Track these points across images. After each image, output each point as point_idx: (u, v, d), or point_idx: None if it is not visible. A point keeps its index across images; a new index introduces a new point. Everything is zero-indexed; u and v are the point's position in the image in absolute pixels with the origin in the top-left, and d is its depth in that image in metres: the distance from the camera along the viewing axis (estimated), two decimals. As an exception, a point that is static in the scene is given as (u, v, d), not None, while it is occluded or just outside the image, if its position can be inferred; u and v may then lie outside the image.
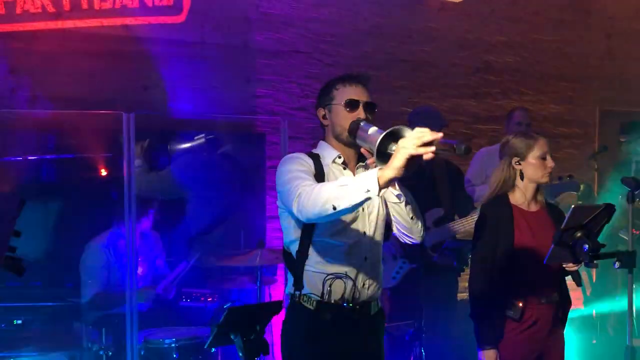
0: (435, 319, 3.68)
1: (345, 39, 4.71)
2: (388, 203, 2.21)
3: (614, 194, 4.05)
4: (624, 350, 2.59)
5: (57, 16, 3.78)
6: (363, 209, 2.23)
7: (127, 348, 3.11)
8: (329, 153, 2.26)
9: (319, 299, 2.19)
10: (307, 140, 4.30)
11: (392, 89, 4.80)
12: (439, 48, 5.06)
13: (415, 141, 1.76)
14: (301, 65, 4.57)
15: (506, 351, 2.63)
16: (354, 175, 2.22)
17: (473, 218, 3.30)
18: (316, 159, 2.23)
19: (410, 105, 4.59)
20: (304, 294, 2.22)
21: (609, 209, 2.21)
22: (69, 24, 3.79)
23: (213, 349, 3.15)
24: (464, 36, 5.15)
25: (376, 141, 1.82)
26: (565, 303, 2.71)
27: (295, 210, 2.03)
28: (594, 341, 4.56)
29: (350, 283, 2.20)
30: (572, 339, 4.39)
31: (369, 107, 2.21)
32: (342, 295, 2.20)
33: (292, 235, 2.24)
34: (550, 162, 2.68)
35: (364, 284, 2.24)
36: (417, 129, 1.80)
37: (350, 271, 2.21)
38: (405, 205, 2.16)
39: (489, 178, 3.99)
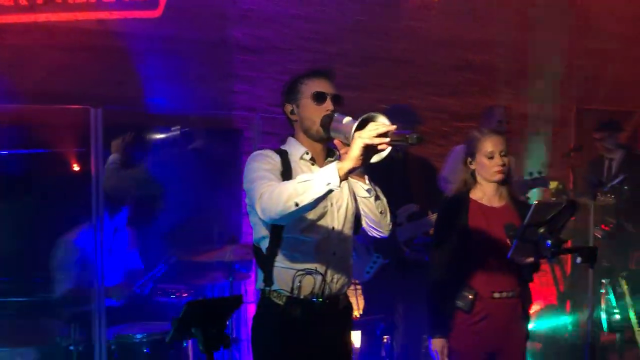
0: (407, 313, 3.73)
1: (324, 35, 4.72)
2: (358, 198, 2.23)
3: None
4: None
5: (30, 9, 3.75)
6: (332, 204, 2.25)
7: (95, 345, 3.10)
8: (296, 149, 2.27)
9: (288, 294, 2.21)
10: (284, 136, 4.30)
11: (372, 86, 4.82)
12: (418, 46, 5.08)
13: (370, 132, 1.83)
14: (280, 61, 4.57)
15: (456, 342, 2.66)
16: None
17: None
18: (284, 155, 2.25)
19: (390, 103, 4.61)
20: (274, 290, 2.23)
21: (572, 205, 2.25)
22: (42, 17, 3.76)
23: (185, 344, 3.16)
24: (443, 34, 5.17)
25: (352, 129, 1.87)
26: (525, 300, 2.72)
27: (259, 211, 2.05)
28: (567, 336, 4.62)
29: (319, 278, 2.22)
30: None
31: (336, 99, 2.23)
32: (312, 291, 2.22)
33: (261, 232, 2.25)
34: (497, 160, 2.66)
35: (332, 279, 2.25)
36: (373, 122, 1.86)
37: (320, 266, 2.23)
38: (375, 200, 2.19)
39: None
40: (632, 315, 3.83)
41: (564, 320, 4.70)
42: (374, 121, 1.87)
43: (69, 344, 3.17)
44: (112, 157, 3.80)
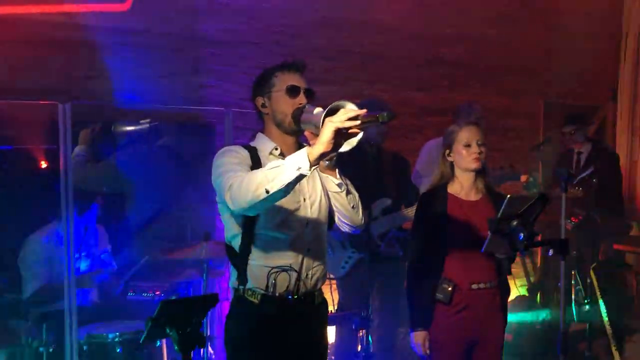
0: (382, 307, 3.74)
1: (296, 29, 4.69)
2: (329, 193, 2.22)
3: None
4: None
5: (-7, 1, 3.63)
6: (305, 199, 2.23)
7: (65, 345, 3.03)
8: (265, 145, 2.25)
9: (263, 292, 2.19)
10: (255, 132, 4.27)
11: (343, 80, 4.81)
12: (389, 40, 5.09)
13: (340, 117, 1.83)
14: (251, 55, 4.52)
15: (437, 334, 2.70)
16: None
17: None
18: (253, 151, 2.22)
19: (361, 97, 4.61)
20: (249, 289, 2.21)
21: (543, 199, 2.28)
22: (4, 10, 3.64)
23: (158, 342, 3.11)
24: (414, 29, 5.20)
25: (321, 116, 1.87)
26: (503, 290, 2.77)
27: (228, 202, 2.01)
28: (538, 327, 4.70)
29: (294, 275, 2.21)
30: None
31: (308, 93, 2.22)
32: (287, 288, 2.20)
33: (233, 229, 2.22)
34: (474, 149, 2.70)
35: (307, 275, 2.24)
36: (343, 109, 1.87)
37: (294, 263, 2.21)
38: (347, 194, 2.19)
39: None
40: (601, 306, 3.92)
41: (534, 312, 4.77)
42: (343, 108, 1.88)
43: (39, 345, 3.10)
44: (79, 149, 3.61)
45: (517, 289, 5.13)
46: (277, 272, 2.19)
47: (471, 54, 5.47)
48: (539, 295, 5.12)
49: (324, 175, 2.17)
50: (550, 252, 2.28)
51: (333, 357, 3.78)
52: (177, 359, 3.21)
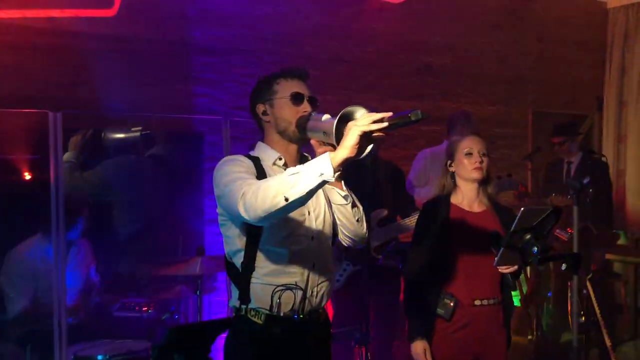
0: (381, 322, 3.65)
1: (287, 37, 4.62)
2: (333, 205, 2.14)
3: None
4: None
5: (-26, 6, 3.48)
6: (309, 212, 2.14)
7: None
8: (268, 155, 2.15)
9: (268, 312, 2.09)
10: (249, 140, 4.14)
11: (334, 89, 4.74)
12: (380, 49, 5.05)
13: (365, 120, 1.73)
14: (241, 63, 4.43)
15: (435, 350, 2.60)
16: None
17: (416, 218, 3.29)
18: (256, 161, 2.12)
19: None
20: (252, 308, 2.10)
21: (556, 211, 2.23)
22: (-12, 14, 3.50)
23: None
24: (405, 37, 5.17)
25: (333, 124, 1.78)
26: (506, 306, 2.69)
27: (242, 211, 1.87)
28: (530, 337, 4.66)
29: (300, 293, 2.11)
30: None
31: (312, 101, 2.14)
32: (292, 307, 2.10)
33: (236, 244, 2.11)
34: (476, 158, 2.65)
35: (312, 292, 2.15)
36: (365, 113, 1.77)
37: (300, 280, 2.12)
38: (352, 207, 2.11)
39: (432, 179, 4.03)
40: (599, 316, 3.89)
41: (527, 322, 4.74)
42: (354, 115, 1.78)
43: (24, 368, 2.94)
44: (68, 155, 3.46)
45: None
46: (282, 290, 2.09)
47: (461, 62, 5.46)
48: (531, 306, 5.09)
49: (328, 187, 2.08)
50: (564, 266, 2.22)
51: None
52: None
